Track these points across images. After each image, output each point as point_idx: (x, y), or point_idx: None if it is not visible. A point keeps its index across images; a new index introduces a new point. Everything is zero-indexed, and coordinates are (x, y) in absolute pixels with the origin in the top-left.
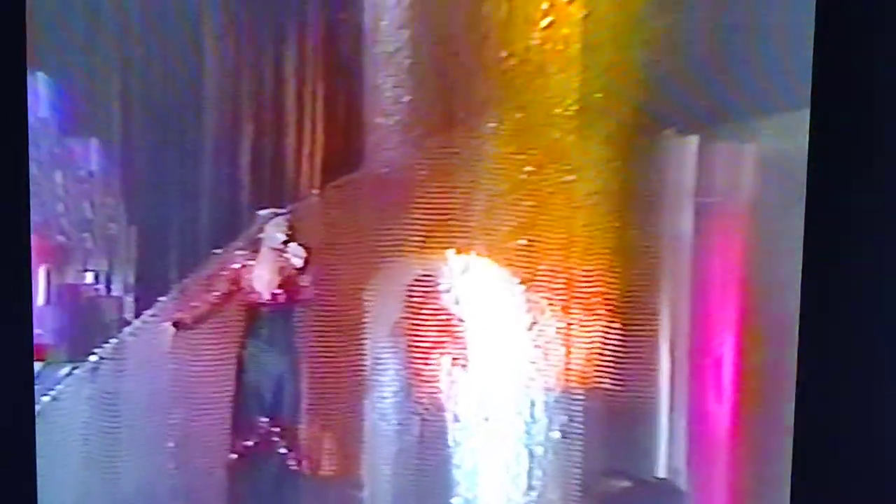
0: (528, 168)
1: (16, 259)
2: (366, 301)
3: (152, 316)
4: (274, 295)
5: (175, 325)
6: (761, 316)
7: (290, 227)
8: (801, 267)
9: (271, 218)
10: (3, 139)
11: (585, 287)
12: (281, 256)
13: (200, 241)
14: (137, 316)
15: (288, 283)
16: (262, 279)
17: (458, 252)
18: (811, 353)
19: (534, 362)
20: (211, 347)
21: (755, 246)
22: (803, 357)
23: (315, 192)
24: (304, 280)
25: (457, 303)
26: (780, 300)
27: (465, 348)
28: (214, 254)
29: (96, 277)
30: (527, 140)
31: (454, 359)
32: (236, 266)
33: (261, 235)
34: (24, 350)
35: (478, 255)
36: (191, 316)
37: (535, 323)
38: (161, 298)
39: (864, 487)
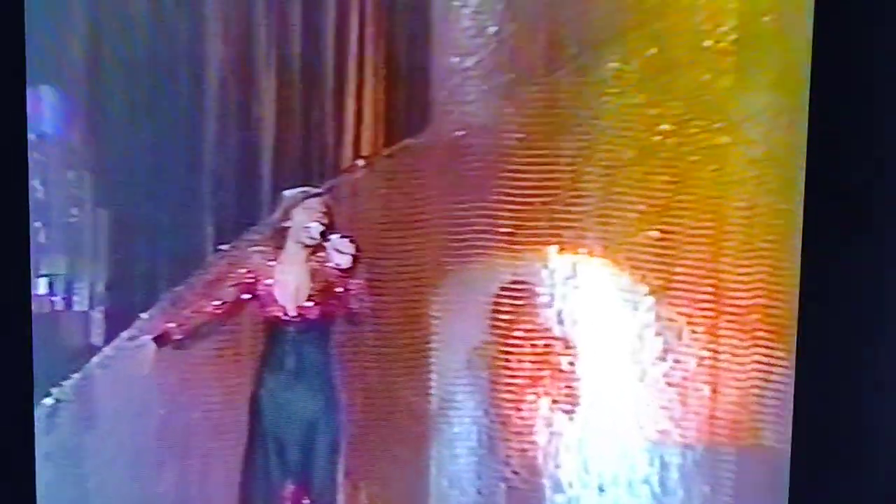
0: (663, 126)
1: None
2: (433, 318)
3: (130, 340)
4: (303, 309)
5: (158, 339)
6: None
7: (328, 213)
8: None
9: (302, 200)
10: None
11: (740, 299)
12: (315, 254)
13: (200, 234)
14: (109, 340)
15: (324, 291)
16: (287, 287)
17: (563, 249)
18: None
19: (666, 407)
20: (215, 384)
21: None
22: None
23: (362, 162)
24: (350, 287)
25: (560, 321)
26: None
27: (570, 387)
28: (219, 251)
29: (51, 286)
30: (663, 86)
31: (554, 401)
32: (250, 267)
33: (286, 224)
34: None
35: (590, 253)
36: (180, 329)
37: (668, 350)
38: (142, 315)
39: (863, 487)
